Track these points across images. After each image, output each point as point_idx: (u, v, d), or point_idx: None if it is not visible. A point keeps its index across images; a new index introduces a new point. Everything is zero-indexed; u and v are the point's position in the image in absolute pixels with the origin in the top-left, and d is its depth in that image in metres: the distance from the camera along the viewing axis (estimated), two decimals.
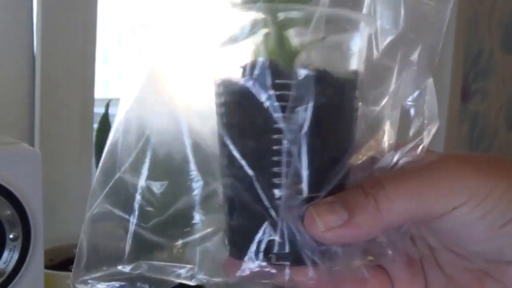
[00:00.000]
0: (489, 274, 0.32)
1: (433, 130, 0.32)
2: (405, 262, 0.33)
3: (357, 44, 0.31)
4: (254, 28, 0.29)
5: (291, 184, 0.29)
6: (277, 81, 0.29)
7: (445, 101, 1.37)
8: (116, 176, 0.33)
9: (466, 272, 0.33)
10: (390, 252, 0.31)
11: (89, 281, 0.32)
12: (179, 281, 0.33)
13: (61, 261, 0.80)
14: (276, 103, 0.29)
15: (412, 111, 0.32)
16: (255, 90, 0.29)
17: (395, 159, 0.31)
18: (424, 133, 0.32)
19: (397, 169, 0.31)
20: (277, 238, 0.30)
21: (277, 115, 0.29)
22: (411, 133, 0.32)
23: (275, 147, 0.29)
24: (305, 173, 0.29)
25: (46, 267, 0.60)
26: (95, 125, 0.83)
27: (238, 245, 0.31)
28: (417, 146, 0.32)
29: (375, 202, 0.29)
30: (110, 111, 0.78)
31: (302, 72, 0.28)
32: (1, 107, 0.80)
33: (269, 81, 0.29)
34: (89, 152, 0.87)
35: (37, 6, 0.80)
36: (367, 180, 0.30)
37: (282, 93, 0.29)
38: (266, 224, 0.30)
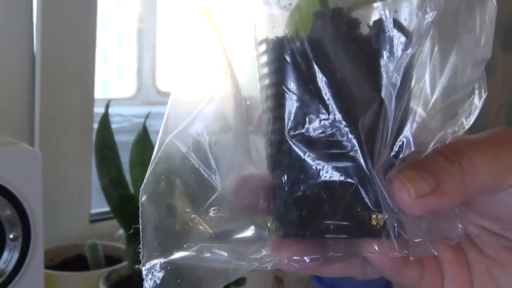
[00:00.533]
0: None
1: (482, 100, 0.30)
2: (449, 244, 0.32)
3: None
4: None
5: (388, 142, 0.27)
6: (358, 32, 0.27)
7: None
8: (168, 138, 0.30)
9: (508, 251, 0.32)
10: (460, 226, 0.30)
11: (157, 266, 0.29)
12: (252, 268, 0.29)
13: (61, 261, 0.81)
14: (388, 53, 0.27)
15: (460, 82, 0.30)
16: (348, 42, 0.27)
17: (445, 133, 0.29)
18: (473, 104, 0.30)
19: (455, 140, 0.30)
20: (369, 204, 0.27)
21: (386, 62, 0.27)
22: (459, 104, 0.30)
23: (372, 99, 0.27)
24: (408, 127, 0.28)
25: (46, 267, 0.60)
26: (95, 125, 0.83)
27: (302, 220, 0.28)
28: (465, 117, 0.30)
29: (461, 169, 0.27)
30: (110, 111, 0.78)
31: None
32: (1, 107, 0.81)
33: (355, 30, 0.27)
34: (89, 152, 0.87)
35: (37, 6, 0.80)
36: (444, 147, 0.29)
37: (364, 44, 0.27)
38: (354, 187, 0.27)
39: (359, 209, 0.27)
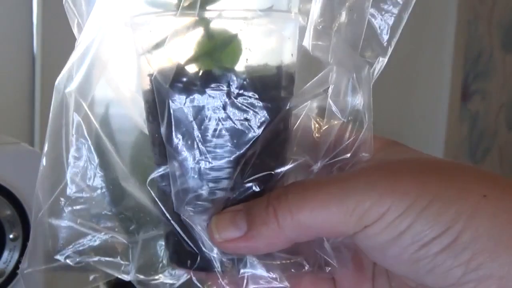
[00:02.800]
0: None
1: (368, 125, 0.29)
2: (352, 270, 0.31)
3: (290, 30, 0.29)
4: (185, 31, 0.28)
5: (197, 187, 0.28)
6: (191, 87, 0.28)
7: (445, 101, 1.37)
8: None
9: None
10: (306, 266, 0.29)
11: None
12: (116, 275, 0.33)
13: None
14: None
15: (348, 104, 0.29)
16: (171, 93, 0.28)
17: (329, 161, 0.29)
18: (363, 129, 0.29)
19: (319, 174, 0.29)
20: (189, 246, 0.29)
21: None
22: (348, 130, 0.29)
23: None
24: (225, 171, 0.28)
25: None
26: None
27: (169, 251, 0.31)
28: (351, 144, 0.29)
29: (275, 216, 0.26)
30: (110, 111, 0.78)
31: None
32: (1, 107, 0.80)
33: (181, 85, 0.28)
34: None
35: (37, 6, 0.80)
36: (278, 188, 0.28)
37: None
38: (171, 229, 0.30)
39: (183, 251, 0.29)
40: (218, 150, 0.28)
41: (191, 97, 0.28)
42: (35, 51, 0.82)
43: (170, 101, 0.28)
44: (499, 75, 1.54)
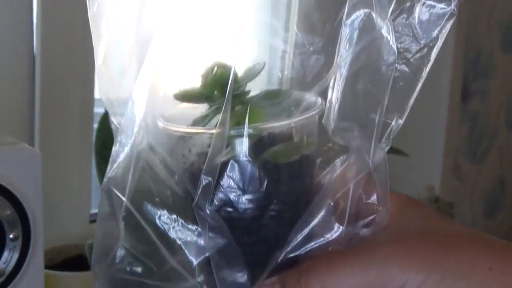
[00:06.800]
0: None
1: (387, 195, 0.32)
2: None
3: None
4: None
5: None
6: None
7: (445, 101, 1.37)
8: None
9: None
10: None
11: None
12: None
13: (61, 261, 0.80)
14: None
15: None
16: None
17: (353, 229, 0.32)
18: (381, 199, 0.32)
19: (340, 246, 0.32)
20: None
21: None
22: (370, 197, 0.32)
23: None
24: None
25: (46, 267, 0.60)
26: (95, 125, 0.83)
27: None
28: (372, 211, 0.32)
29: (306, 287, 0.30)
30: None
31: None
32: (1, 107, 0.80)
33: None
34: (89, 152, 0.87)
35: (37, 6, 0.80)
36: (308, 260, 0.31)
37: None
38: None
39: None
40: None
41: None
42: (35, 51, 0.82)
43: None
44: (499, 75, 1.54)
